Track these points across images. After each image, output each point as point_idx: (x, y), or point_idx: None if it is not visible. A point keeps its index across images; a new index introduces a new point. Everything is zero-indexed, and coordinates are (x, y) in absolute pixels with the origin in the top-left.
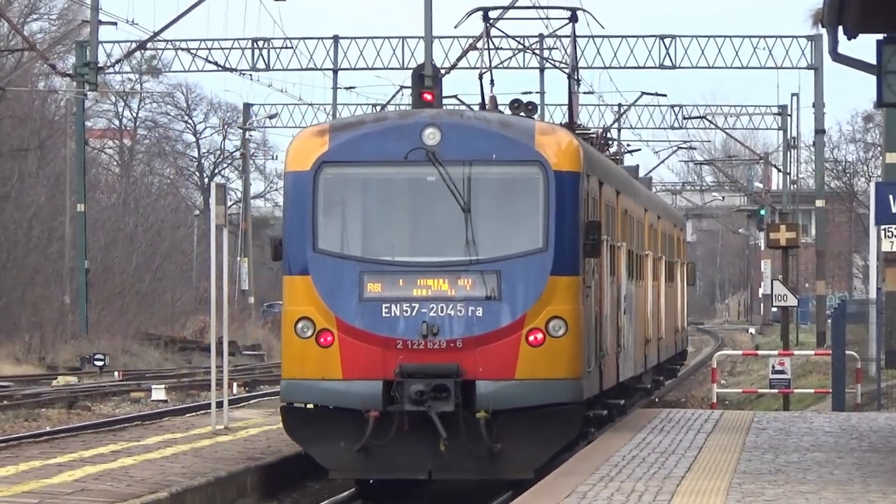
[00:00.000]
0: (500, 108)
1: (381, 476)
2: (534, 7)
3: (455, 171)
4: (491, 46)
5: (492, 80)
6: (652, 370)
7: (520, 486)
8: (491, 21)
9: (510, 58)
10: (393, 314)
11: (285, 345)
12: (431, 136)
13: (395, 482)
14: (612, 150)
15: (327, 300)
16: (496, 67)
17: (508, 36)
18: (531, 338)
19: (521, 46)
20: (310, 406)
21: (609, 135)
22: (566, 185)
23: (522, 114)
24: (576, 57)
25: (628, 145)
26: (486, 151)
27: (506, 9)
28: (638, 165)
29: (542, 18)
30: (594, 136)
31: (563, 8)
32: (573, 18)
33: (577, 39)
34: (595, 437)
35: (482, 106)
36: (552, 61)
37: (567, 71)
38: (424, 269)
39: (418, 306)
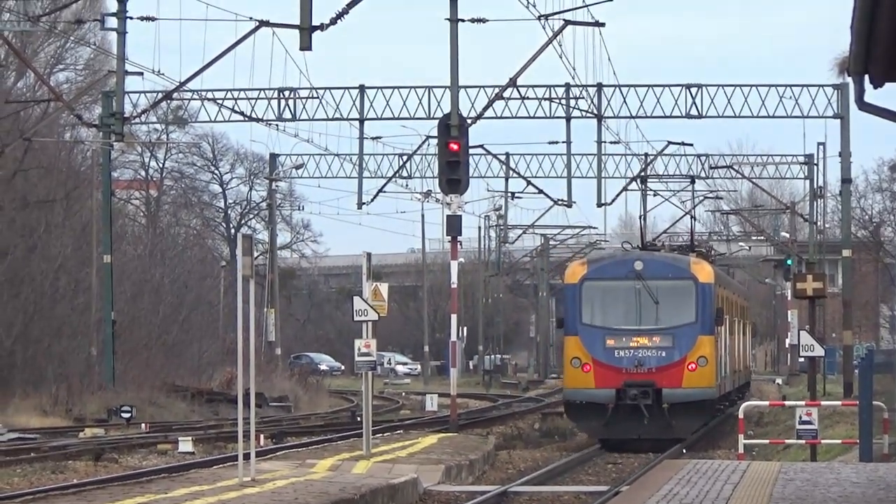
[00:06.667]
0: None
1: (614, 437)
2: (668, 176)
3: (651, 283)
4: (647, 192)
5: (644, 218)
6: (734, 390)
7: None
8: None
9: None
10: (621, 355)
11: (566, 371)
12: (638, 265)
13: (619, 441)
14: (708, 252)
15: (587, 348)
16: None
17: (651, 187)
18: (690, 367)
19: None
20: (578, 402)
21: (712, 249)
22: (706, 290)
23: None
24: (693, 203)
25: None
26: (665, 273)
27: (660, 176)
28: (728, 266)
29: (669, 191)
30: (703, 249)
31: (686, 176)
32: (692, 181)
33: (603, 89)
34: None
35: (642, 240)
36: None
37: (692, 213)
38: (636, 332)
39: (633, 351)
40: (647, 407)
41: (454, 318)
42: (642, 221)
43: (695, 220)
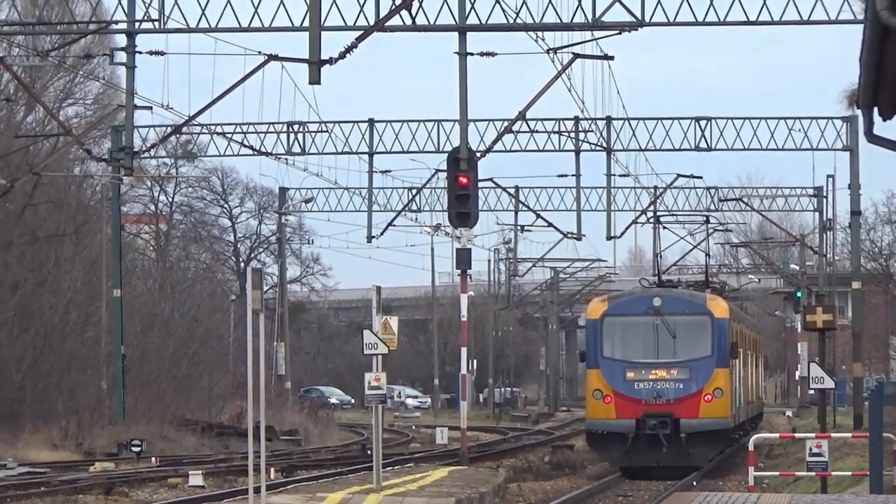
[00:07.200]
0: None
1: (633, 465)
2: (682, 212)
3: (668, 318)
4: (659, 231)
5: (660, 256)
6: (748, 420)
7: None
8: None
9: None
10: (640, 387)
11: (588, 403)
12: (657, 301)
13: (639, 469)
14: (722, 287)
15: (608, 380)
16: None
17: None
18: (706, 397)
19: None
20: (600, 431)
21: (726, 284)
22: (721, 324)
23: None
24: (708, 242)
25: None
26: (682, 309)
27: (674, 214)
28: (742, 303)
29: (679, 223)
30: (718, 285)
31: (700, 213)
32: (706, 220)
33: (613, 123)
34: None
35: (658, 278)
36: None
37: (707, 252)
38: (655, 365)
39: (652, 383)
40: (665, 436)
41: (464, 351)
42: (658, 259)
43: (709, 257)
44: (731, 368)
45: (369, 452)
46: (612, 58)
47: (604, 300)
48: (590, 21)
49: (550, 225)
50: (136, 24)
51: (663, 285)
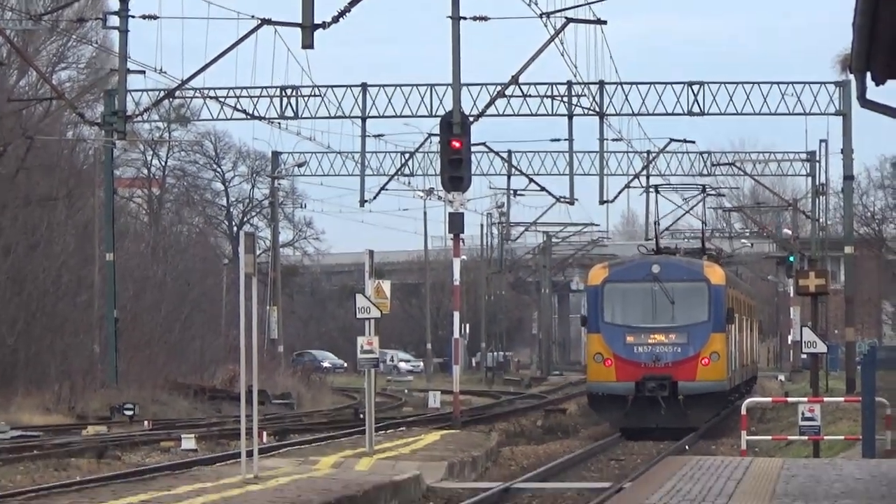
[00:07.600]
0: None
1: (633, 426)
2: (681, 186)
3: (667, 285)
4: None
5: (658, 224)
6: (743, 383)
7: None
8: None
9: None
10: (640, 351)
11: (589, 366)
12: (656, 268)
13: (637, 429)
14: (718, 254)
15: (609, 344)
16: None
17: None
18: (703, 361)
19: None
20: (601, 394)
21: (722, 251)
22: (718, 290)
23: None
24: (705, 212)
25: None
26: (680, 275)
27: (672, 185)
28: (737, 268)
29: (672, 187)
30: (714, 252)
31: (697, 185)
32: (703, 190)
33: (605, 87)
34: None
35: (657, 244)
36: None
37: (703, 220)
38: (654, 329)
39: (651, 347)
40: (664, 398)
41: (456, 315)
42: (656, 227)
43: (705, 224)
44: (728, 333)
45: (362, 416)
46: (604, 22)
47: (604, 267)
48: None
49: (543, 189)
50: None
51: (661, 252)
